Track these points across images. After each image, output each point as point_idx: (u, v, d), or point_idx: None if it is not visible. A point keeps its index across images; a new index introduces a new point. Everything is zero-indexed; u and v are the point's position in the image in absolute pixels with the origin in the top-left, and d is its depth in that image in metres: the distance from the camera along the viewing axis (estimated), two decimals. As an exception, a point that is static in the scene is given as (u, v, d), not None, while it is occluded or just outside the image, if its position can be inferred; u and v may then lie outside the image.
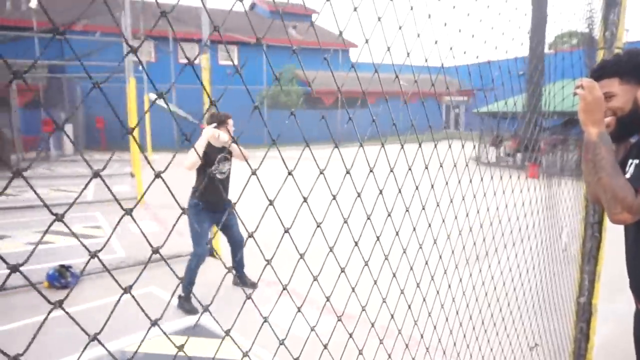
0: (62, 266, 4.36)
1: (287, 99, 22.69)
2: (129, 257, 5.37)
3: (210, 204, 4.05)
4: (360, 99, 1.33)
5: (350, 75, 1.25)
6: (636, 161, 1.53)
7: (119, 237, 6.23)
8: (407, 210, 1.47)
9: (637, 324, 1.69)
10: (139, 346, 0.98)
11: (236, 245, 4.47)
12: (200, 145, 3.81)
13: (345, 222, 1.24)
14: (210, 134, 3.78)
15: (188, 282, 4.02)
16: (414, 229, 1.53)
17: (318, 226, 1.18)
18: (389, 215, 1.40)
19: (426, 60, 1.53)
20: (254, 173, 0.98)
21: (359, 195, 1.27)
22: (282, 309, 3.00)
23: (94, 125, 18.65)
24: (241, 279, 4.58)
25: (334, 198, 1.20)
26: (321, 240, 1.38)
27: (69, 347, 3.29)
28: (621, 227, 1.70)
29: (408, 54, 1.43)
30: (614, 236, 2.52)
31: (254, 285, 4.52)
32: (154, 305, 4.02)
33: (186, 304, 4.05)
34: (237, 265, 4.56)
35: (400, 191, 1.44)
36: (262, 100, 22.34)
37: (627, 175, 1.52)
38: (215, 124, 3.89)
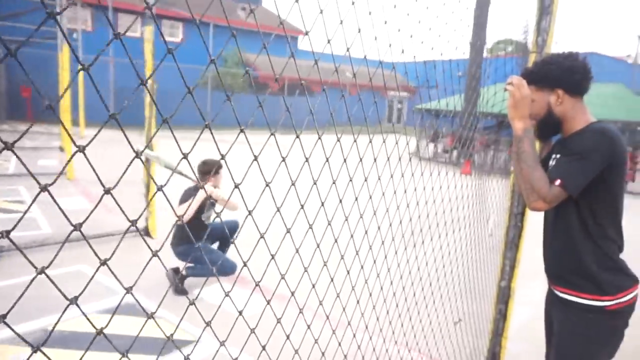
0: (-21, 240, 4.04)
1: (232, 82, 22.24)
2: (56, 234, 5.08)
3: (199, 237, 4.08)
4: (305, 87, 1.35)
5: (295, 62, 1.25)
6: (558, 156, 1.69)
7: (44, 212, 5.86)
8: (340, 202, 1.51)
9: (547, 303, 1.87)
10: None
11: (232, 231, 4.40)
12: (194, 207, 3.82)
13: (278, 210, 1.26)
14: (203, 198, 3.79)
15: (197, 272, 3.98)
16: (346, 218, 1.58)
17: (249, 214, 1.19)
18: (322, 205, 1.42)
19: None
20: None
21: (293, 184, 1.29)
22: (243, 297, 2.99)
23: (18, 93, 17.17)
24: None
25: (268, 185, 1.21)
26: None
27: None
28: (539, 219, 1.87)
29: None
30: (533, 227, 2.75)
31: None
32: (84, 284, 3.85)
33: (180, 284, 4.01)
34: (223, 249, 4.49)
35: (334, 182, 1.48)
36: (205, 81, 21.73)
37: (549, 169, 1.68)
38: (205, 175, 3.91)
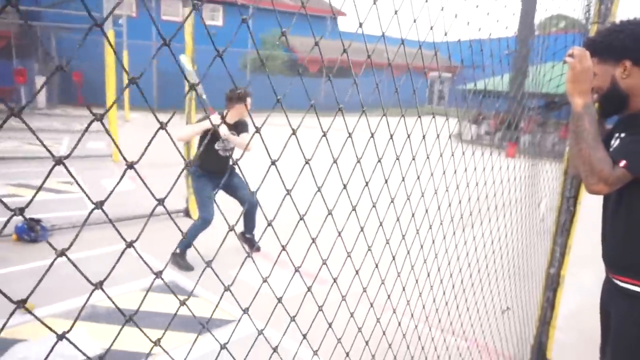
0: (32, 219, 4.25)
1: (271, 64, 22.29)
2: (102, 214, 5.25)
3: (210, 171, 4.04)
4: (345, 68, 1.30)
5: (336, 44, 1.19)
6: (622, 135, 1.54)
7: (91, 193, 6.09)
8: (386, 182, 1.45)
9: (604, 292, 1.73)
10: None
11: (250, 206, 4.31)
12: (196, 130, 3.81)
13: (319, 189, 1.21)
14: (207, 126, 3.73)
15: (187, 241, 3.99)
16: (392, 200, 1.51)
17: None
18: (366, 184, 1.37)
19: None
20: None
21: (335, 162, 1.24)
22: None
23: (70, 78, 17.82)
24: (248, 241, 4.53)
25: (307, 162, 1.16)
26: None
27: (35, 301, 3.23)
28: (593, 203, 1.72)
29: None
30: (587, 210, 2.58)
31: (258, 249, 4.56)
32: (129, 262, 3.97)
33: (181, 261, 4.10)
34: (247, 227, 4.49)
35: (380, 161, 1.41)
36: (245, 64, 21.88)
37: (612, 149, 1.53)
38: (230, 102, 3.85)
